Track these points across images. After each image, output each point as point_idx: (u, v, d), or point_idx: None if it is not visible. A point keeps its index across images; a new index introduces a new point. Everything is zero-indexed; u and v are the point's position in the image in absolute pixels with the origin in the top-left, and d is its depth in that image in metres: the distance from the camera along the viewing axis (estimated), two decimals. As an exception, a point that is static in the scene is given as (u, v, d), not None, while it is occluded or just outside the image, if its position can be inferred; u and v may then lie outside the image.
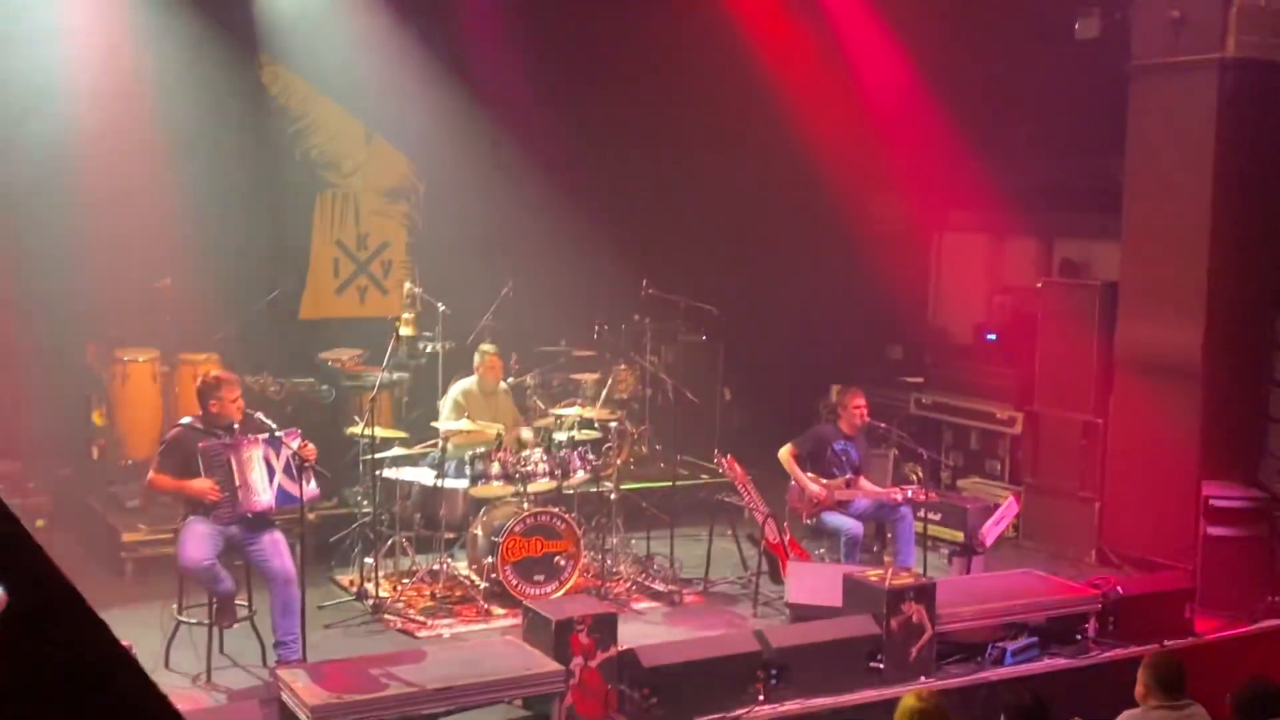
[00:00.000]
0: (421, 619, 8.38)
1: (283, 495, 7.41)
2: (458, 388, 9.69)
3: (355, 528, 9.26)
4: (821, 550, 9.52)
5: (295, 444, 7.43)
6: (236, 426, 7.52)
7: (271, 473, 7.40)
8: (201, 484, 7.28)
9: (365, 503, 9.24)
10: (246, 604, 7.60)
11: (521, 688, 6.76)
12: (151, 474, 7.51)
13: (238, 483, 7.29)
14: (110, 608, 7.72)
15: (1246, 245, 9.80)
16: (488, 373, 9.70)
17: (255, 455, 7.38)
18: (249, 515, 7.34)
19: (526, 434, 9.69)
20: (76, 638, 1.66)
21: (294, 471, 7.38)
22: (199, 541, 7.22)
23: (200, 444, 7.34)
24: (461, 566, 8.98)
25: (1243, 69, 9.59)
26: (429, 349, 10.50)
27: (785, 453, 9.45)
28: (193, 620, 7.41)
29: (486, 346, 9.88)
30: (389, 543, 8.97)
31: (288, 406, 10.15)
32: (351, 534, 9.30)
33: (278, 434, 7.44)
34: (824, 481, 9.40)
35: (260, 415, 7.63)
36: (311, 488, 7.46)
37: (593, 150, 12.55)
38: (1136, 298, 10.26)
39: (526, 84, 12.11)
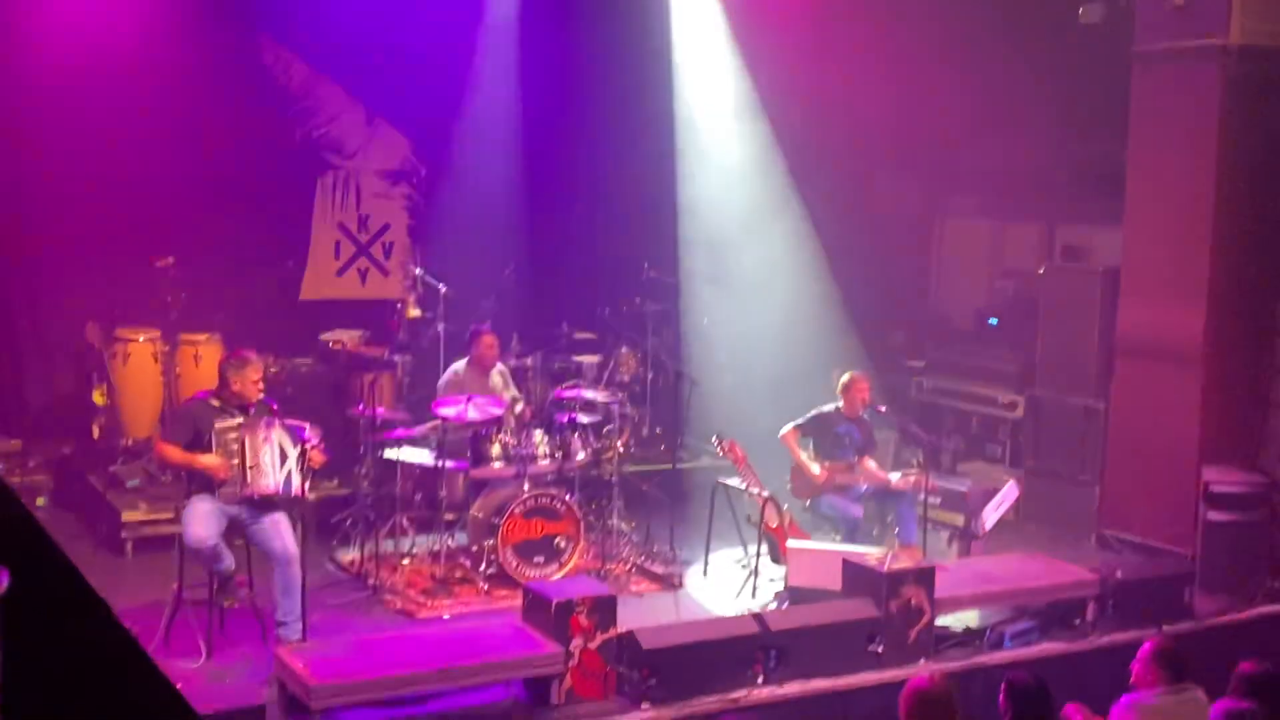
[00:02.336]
0: (422, 600, 8.39)
1: (288, 483, 7.41)
2: (453, 369, 9.69)
3: (356, 508, 9.27)
4: (821, 533, 9.52)
5: (313, 440, 7.44)
6: (252, 408, 7.52)
7: (284, 458, 7.39)
8: (212, 460, 7.29)
9: (366, 483, 9.25)
10: (247, 584, 7.61)
11: (521, 669, 6.77)
12: (161, 443, 7.50)
13: (249, 463, 7.29)
14: (110, 587, 7.74)
15: (1249, 231, 9.78)
16: (484, 352, 9.68)
17: (267, 438, 7.38)
18: (255, 497, 7.35)
19: (519, 406, 9.66)
20: (77, 617, 1.66)
21: (301, 466, 7.39)
22: (203, 520, 7.23)
23: (216, 421, 7.34)
24: (462, 548, 8.99)
25: (1246, 55, 9.56)
26: (430, 330, 10.50)
27: (787, 433, 9.45)
28: (193, 599, 7.41)
29: (481, 326, 9.86)
30: (390, 524, 8.98)
31: (288, 387, 10.15)
32: (352, 514, 9.31)
33: (299, 426, 7.45)
34: (826, 464, 9.40)
35: (264, 398, 7.66)
36: (303, 487, 7.45)
37: (594, 131, 12.54)
38: (1138, 283, 10.24)
39: (527, 65, 12.11)
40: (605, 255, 12.83)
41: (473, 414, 8.88)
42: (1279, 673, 5.84)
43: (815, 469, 9.33)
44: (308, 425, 7.53)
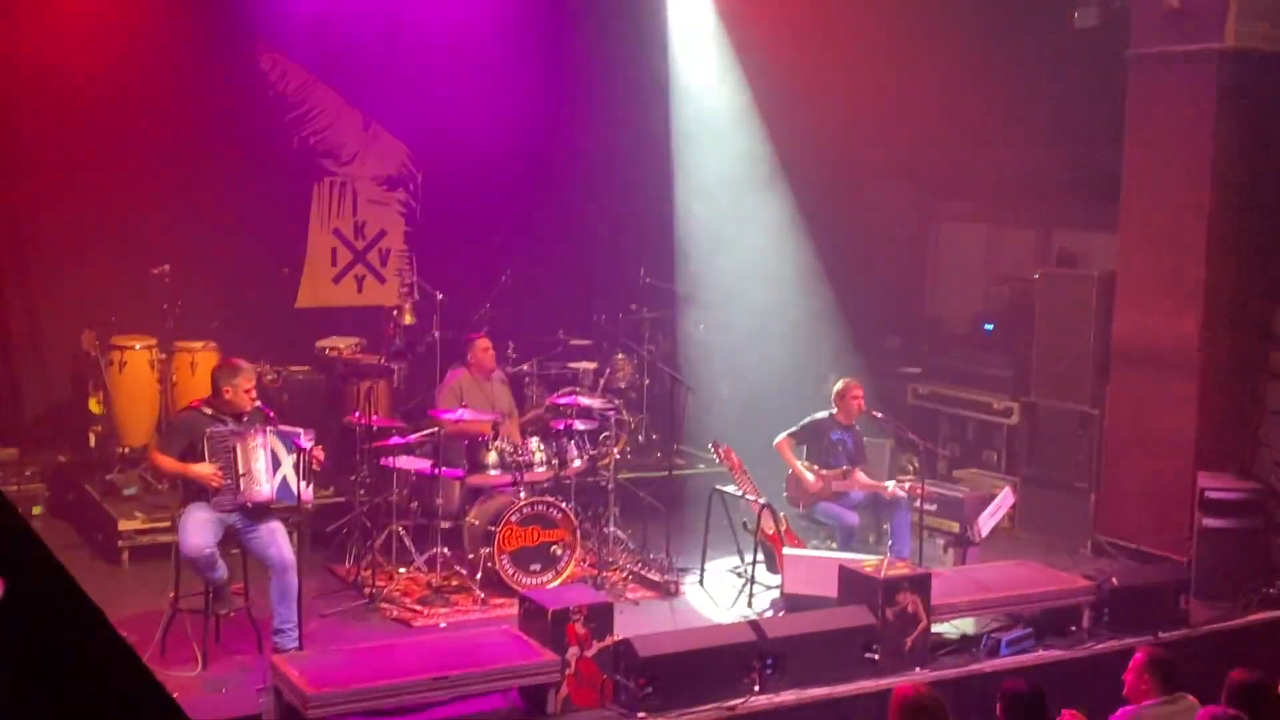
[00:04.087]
0: (418, 608, 8.38)
1: (284, 490, 7.40)
2: (453, 376, 9.69)
3: (352, 516, 9.26)
4: (817, 541, 9.53)
5: (308, 444, 7.43)
6: (245, 416, 7.52)
7: (276, 464, 7.39)
8: (205, 469, 7.28)
9: (362, 491, 9.24)
10: (243, 592, 7.61)
11: (517, 677, 6.76)
12: (155, 453, 7.50)
13: (241, 471, 7.29)
14: (106, 596, 7.76)
15: (1244, 237, 9.79)
16: (481, 356, 9.69)
17: (260, 445, 7.38)
18: (249, 505, 7.34)
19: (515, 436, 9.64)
20: (73, 625, 1.66)
21: (301, 471, 7.38)
22: (199, 528, 7.22)
23: (208, 429, 7.34)
24: (458, 556, 8.98)
25: (1242, 59, 9.57)
26: (427, 337, 10.50)
27: (781, 441, 9.46)
28: (189, 608, 7.41)
29: (474, 333, 9.85)
30: (386, 532, 8.98)
31: (284, 395, 10.15)
32: (348, 522, 9.30)
33: (295, 432, 7.45)
34: (821, 472, 9.41)
35: (260, 405, 7.65)
36: (308, 492, 7.46)
37: (591, 139, 12.55)
38: (1134, 288, 10.25)
39: (524, 72, 12.11)
40: (601, 262, 12.85)
41: (468, 418, 8.90)
42: (1269, 682, 5.84)
43: (810, 477, 9.33)
44: (301, 431, 7.51)
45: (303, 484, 7.36)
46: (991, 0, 11.65)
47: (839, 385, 9.78)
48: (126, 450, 10.02)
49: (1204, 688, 6.02)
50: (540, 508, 8.68)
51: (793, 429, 9.59)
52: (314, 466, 7.40)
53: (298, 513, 7.43)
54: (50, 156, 10.19)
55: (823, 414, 9.79)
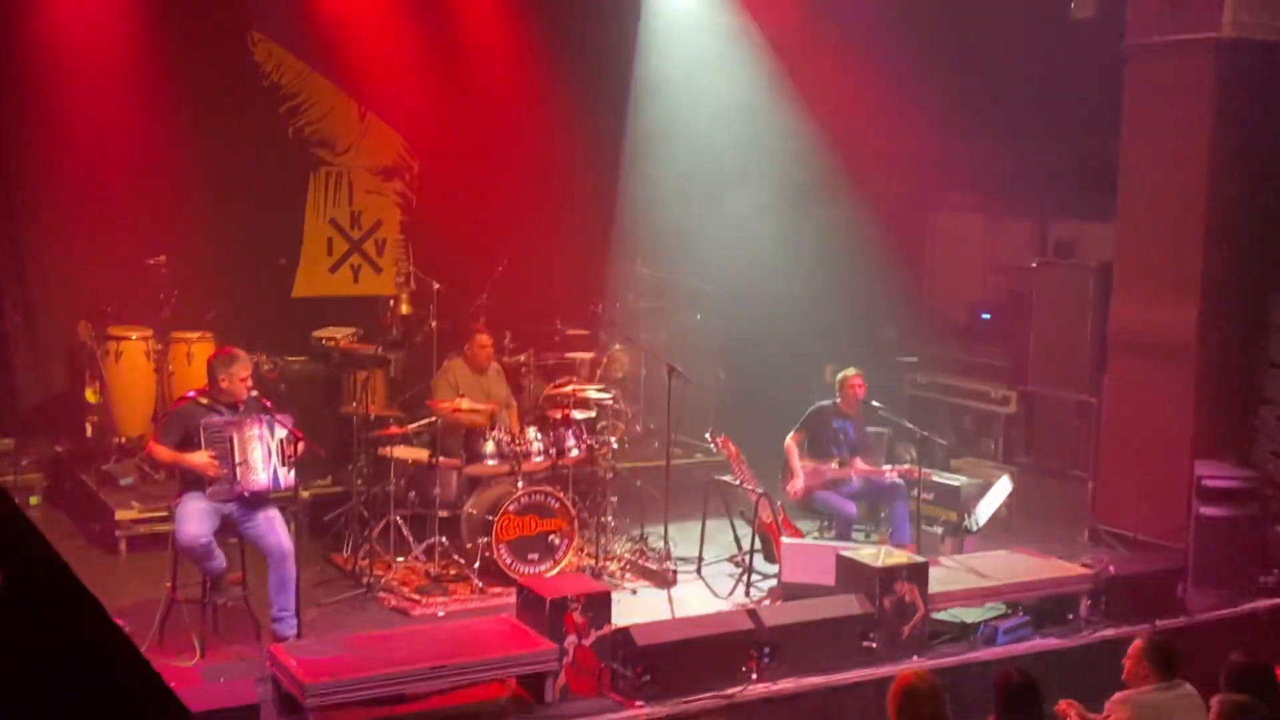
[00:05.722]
0: (416, 597, 8.38)
1: (277, 479, 7.41)
2: (449, 367, 9.68)
3: (350, 506, 9.26)
4: (815, 530, 9.54)
5: (288, 428, 7.42)
6: (241, 406, 7.52)
7: (269, 453, 7.39)
8: (200, 458, 7.27)
9: (360, 481, 9.24)
10: (241, 581, 7.61)
11: (515, 666, 6.77)
12: (152, 444, 7.50)
13: (237, 460, 7.29)
14: (104, 586, 7.74)
15: (1241, 226, 9.80)
16: (478, 352, 9.68)
17: (256, 434, 7.38)
18: (246, 494, 7.34)
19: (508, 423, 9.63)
20: (70, 615, 1.66)
21: (282, 456, 7.37)
22: (197, 518, 7.22)
23: (203, 420, 7.33)
24: (456, 545, 8.99)
25: (1239, 49, 9.57)
26: (424, 327, 10.49)
27: (790, 441, 9.46)
28: (187, 598, 7.41)
29: (476, 326, 9.85)
30: (383, 521, 8.98)
31: (281, 385, 10.14)
32: (346, 512, 9.30)
33: (275, 417, 7.44)
34: (810, 465, 9.39)
35: (257, 394, 7.65)
36: (290, 477, 7.45)
37: (589, 129, 12.52)
38: (1131, 278, 10.26)
39: (521, 61, 12.09)
40: (598, 252, 12.83)
41: (465, 407, 8.89)
42: (1266, 664, 5.87)
43: (801, 483, 9.33)
44: (279, 416, 7.51)
45: (287, 468, 7.37)
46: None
47: (840, 375, 9.78)
48: (123, 440, 10.01)
49: (1201, 676, 6.03)
50: (538, 497, 8.69)
51: (798, 425, 9.58)
52: (291, 454, 7.38)
53: (294, 501, 7.42)
54: (45, 147, 10.15)
55: (825, 403, 9.79)
